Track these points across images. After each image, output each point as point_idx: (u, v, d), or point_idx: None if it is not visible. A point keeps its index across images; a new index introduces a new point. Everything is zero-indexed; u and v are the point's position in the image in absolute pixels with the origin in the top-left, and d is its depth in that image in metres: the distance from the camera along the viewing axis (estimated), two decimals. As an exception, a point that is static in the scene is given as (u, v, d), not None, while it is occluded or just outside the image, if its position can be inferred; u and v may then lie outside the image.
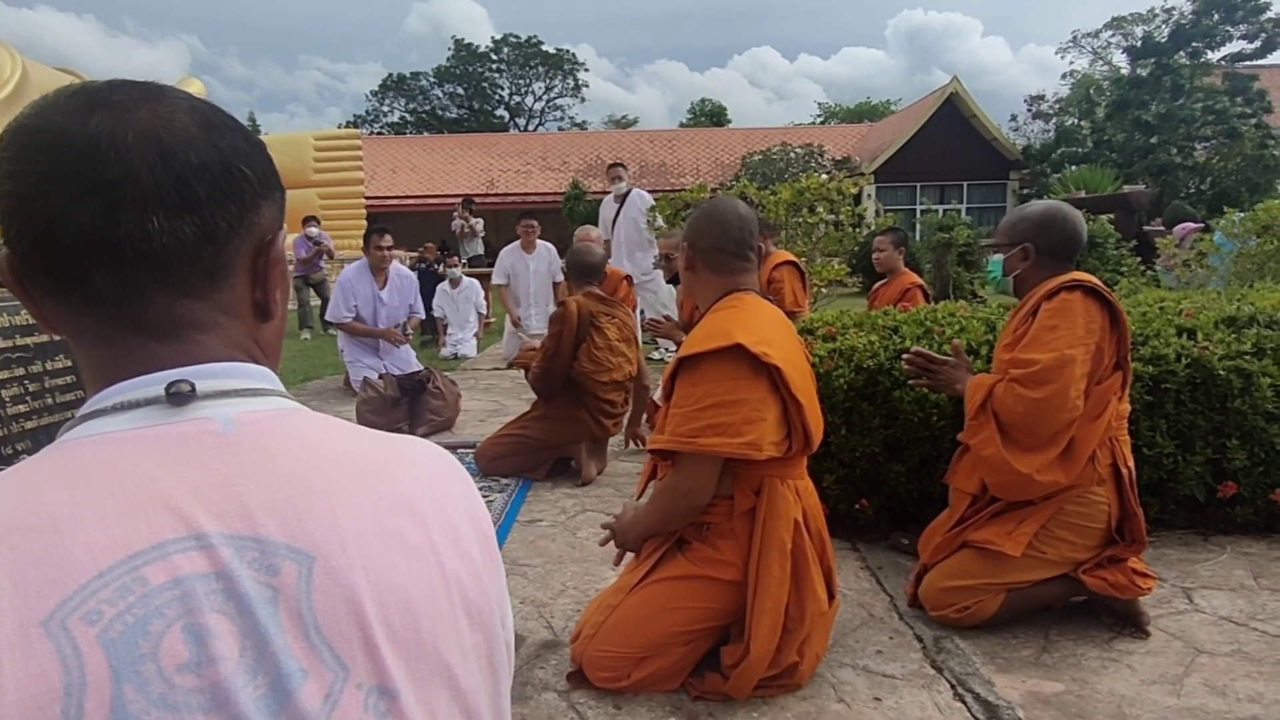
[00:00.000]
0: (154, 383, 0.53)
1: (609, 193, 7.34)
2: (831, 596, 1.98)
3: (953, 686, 1.95)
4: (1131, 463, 2.19)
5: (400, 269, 5.86)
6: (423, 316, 6.22)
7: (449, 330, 8.18)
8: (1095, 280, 2.13)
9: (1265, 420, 2.72)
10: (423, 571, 0.54)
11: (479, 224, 11.15)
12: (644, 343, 7.44)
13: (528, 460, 3.77)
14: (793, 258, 5.42)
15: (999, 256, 2.30)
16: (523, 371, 4.02)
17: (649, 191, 7.52)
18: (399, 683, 0.50)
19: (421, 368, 5.35)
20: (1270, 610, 2.29)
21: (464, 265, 9.11)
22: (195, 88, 15.86)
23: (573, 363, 3.70)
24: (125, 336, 0.54)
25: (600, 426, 3.79)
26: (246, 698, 0.45)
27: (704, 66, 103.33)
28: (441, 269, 8.70)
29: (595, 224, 7.29)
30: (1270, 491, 2.75)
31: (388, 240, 5.63)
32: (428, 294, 9.97)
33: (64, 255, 0.51)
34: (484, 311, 8.48)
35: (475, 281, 8.43)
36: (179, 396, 0.52)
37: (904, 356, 2.46)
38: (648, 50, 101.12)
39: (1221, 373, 2.71)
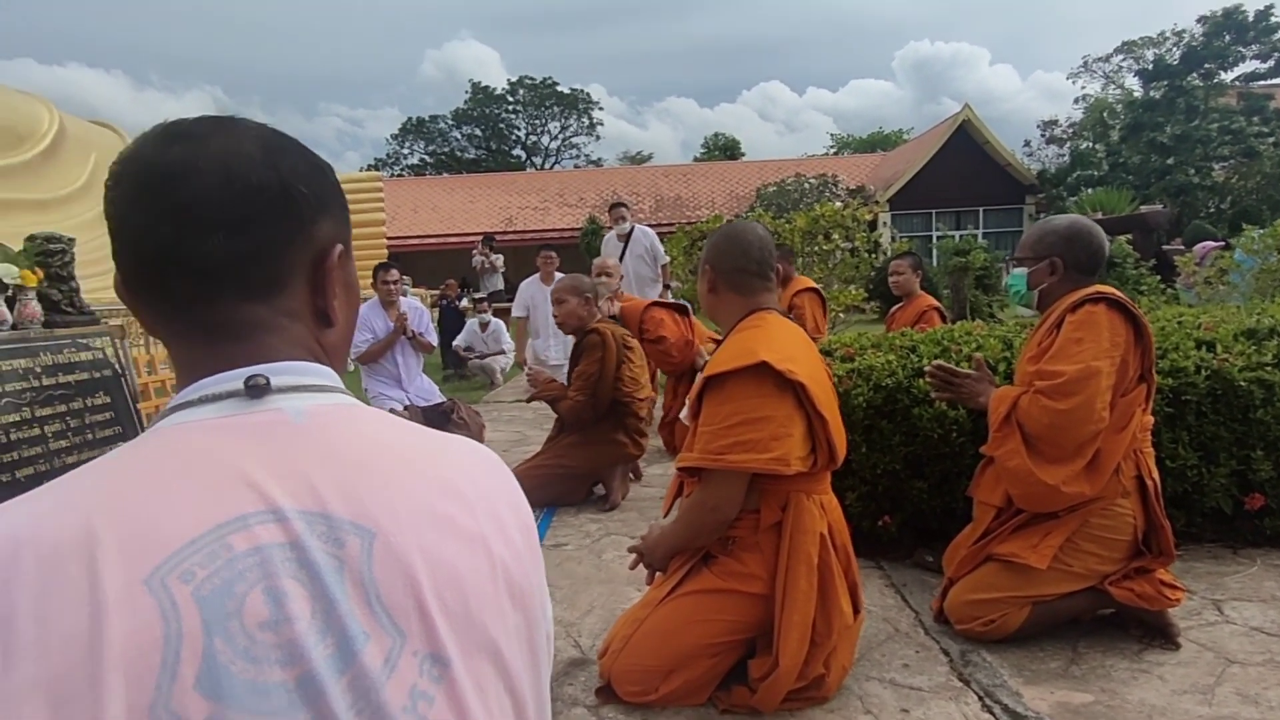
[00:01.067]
0: (234, 378, 0.60)
1: (612, 229, 7.50)
2: (856, 610, 2.00)
3: (980, 698, 1.96)
4: (1156, 474, 2.20)
5: (411, 301, 5.99)
6: (435, 343, 6.32)
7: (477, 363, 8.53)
8: (1119, 293, 2.17)
9: (1289, 431, 2.71)
10: (470, 553, 0.59)
11: (499, 260, 11.35)
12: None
13: (565, 488, 3.80)
14: (814, 284, 5.50)
15: (1021, 271, 2.33)
16: (547, 404, 4.03)
17: (666, 225, 7.64)
18: (450, 652, 0.55)
19: (445, 399, 5.43)
20: (1303, 621, 2.27)
21: (487, 302, 9.29)
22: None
23: (617, 384, 3.79)
24: (203, 337, 0.62)
25: (637, 446, 3.90)
26: (317, 655, 0.50)
27: (714, 102, 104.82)
28: (465, 303, 8.90)
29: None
30: (1299, 503, 2.73)
31: (393, 274, 5.79)
32: (453, 330, 10.14)
33: (148, 268, 0.60)
34: (509, 352, 8.72)
35: (503, 324, 8.78)
36: (256, 390, 0.59)
37: (926, 370, 2.49)
38: (657, 88, 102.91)
39: (1243, 384, 2.71)
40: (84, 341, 3.86)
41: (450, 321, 10.34)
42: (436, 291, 10.66)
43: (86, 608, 0.47)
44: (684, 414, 2.07)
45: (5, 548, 0.48)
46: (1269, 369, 2.76)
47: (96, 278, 9.78)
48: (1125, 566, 2.16)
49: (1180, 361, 2.78)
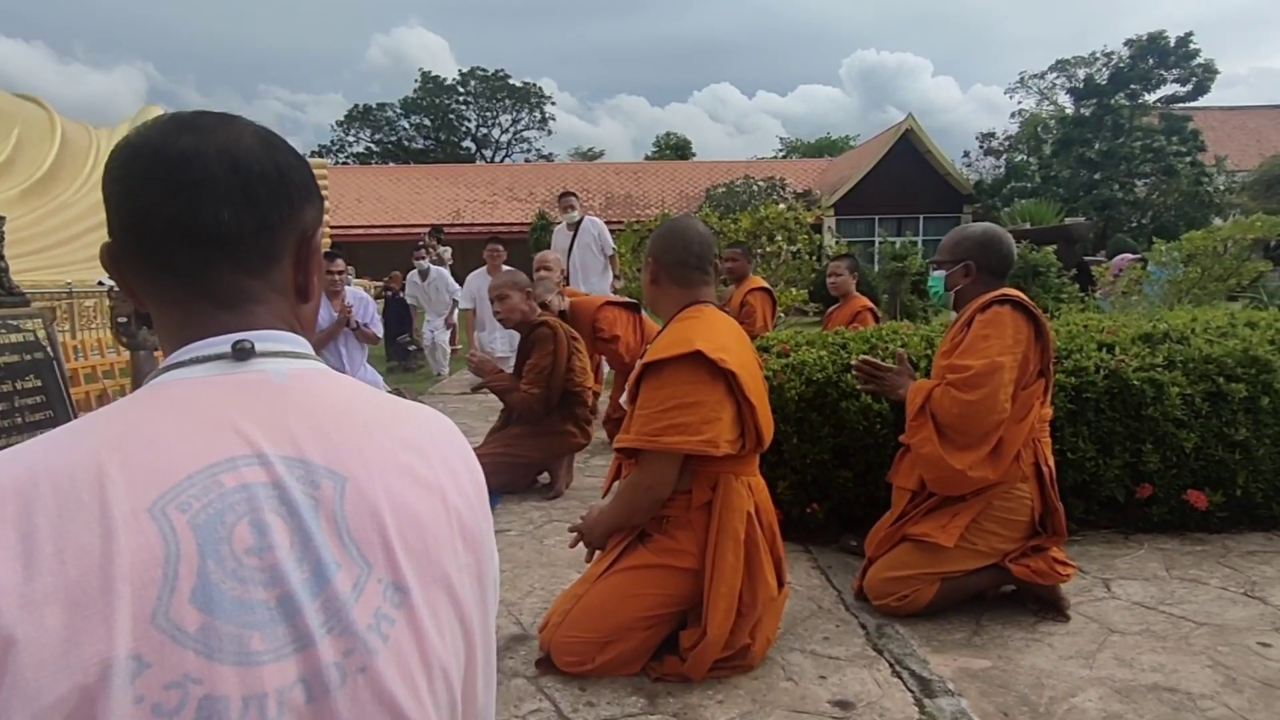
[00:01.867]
0: (222, 342, 0.69)
1: (560, 223, 7.50)
2: (781, 584, 2.15)
3: (891, 665, 2.13)
4: (1052, 462, 2.41)
5: (356, 292, 5.90)
6: (380, 334, 6.25)
7: (427, 320, 8.53)
8: (1023, 295, 2.37)
9: (1175, 426, 2.98)
10: (428, 498, 0.69)
11: (446, 252, 11.27)
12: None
13: (512, 476, 3.88)
14: (766, 284, 5.69)
15: (939, 273, 2.52)
16: (495, 395, 4.08)
17: (616, 222, 7.71)
18: (410, 582, 0.65)
19: (389, 389, 5.43)
20: (1178, 596, 2.52)
21: (426, 249, 9.26)
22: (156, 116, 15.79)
23: (568, 376, 3.88)
24: (199, 304, 0.70)
25: (585, 435, 4.01)
26: (295, 579, 0.59)
27: (665, 101, 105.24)
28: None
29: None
30: (1182, 492, 3.00)
31: (339, 265, 5.70)
32: (398, 322, 10.02)
33: (154, 238, 0.68)
34: (457, 298, 8.41)
35: (445, 270, 8.68)
36: (242, 353, 0.68)
37: (852, 364, 2.67)
38: (609, 85, 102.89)
39: (1136, 383, 2.97)
40: (14, 323, 3.77)
41: (395, 313, 10.22)
42: (380, 283, 10.51)
43: (98, 529, 0.55)
44: (623, 398, 2.18)
45: (25, 477, 0.57)
46: (1160, 370, 3.02)
47: (24, 258, 9.38)
48: (1023, 545, 2.37)
49: (1082, 362, 3.03)
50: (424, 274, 8.53)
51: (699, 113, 79.15)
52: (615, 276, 7.31)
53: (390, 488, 0.67)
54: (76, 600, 0.52)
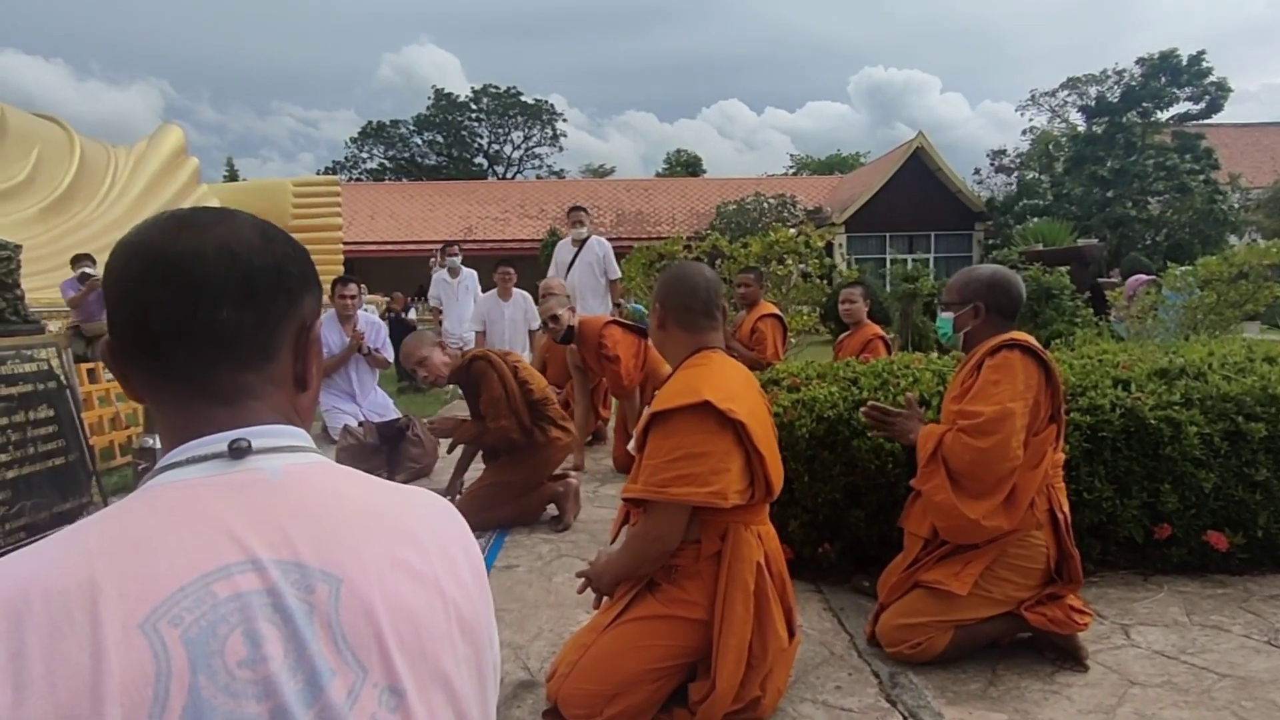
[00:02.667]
0: (219, 441, 0.68)
1: (567, 236, 7.24)
2: (792, 634, 2.11)
3: (905, 719, 2.08)
4: (1066, 508, 2.37)
5: (368, 317, 5.94)
6: (390, 359, 6.25)
7: (444, 323, 8.09)
8: (1031, 340, 2.35)
9: (1194, 466, 2.92)
10: (425, 594, 0.68)
11: (456, 261, 11.20)
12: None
13: (517, 507, 3.85)
14: (776, 310, 5.68)
15: (948, 315, 2.50)
16: (470, 443, 4.06)
17: (627, 239, 7.66)
18: (406, 683, 0.64)
19: (400, 415, 5.44)
20: (1199, 644, 2.46)
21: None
22: (175, 135, 16.01)
23: (525, 390, 3.91)
24: (195, 402, 0.70)
25: (568, 433, 4.05)
26: (289, 690, 0.58)
27: (673, 117, 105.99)
28: (412, 315, 8.69)
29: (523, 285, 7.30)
30: (1201, 533, 2.94)
31: (352, 289, 5.72)
32: (398, 341, 10.01)
33: (153, 338, 0.68)
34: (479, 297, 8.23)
35: (474, 272, 8.29)
36: (239, 451, 0.68)
37: (862, 410, 2.65)
38: (617, 101, 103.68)
39: (1153, 422, 2.92)
40: (28, 353, 3.79)
41: (398, 335, 10.22)
42: (386, 300, 10.49)
43: (89, 647, 0.54)
44: (631, 445, 2.16)
45: (17, 593, 0.56)
46: (1177, 408, 2.97)
47: (38, 275, 9.50)
48: (1039, 592, 2.32)
49: (1098, 400, 2.99)
50: (454, 271, 8.14)
51: (708, 129, 79.71)
52: (616, 304, 7.09)
53: (386, 586, 0.66)
54: None
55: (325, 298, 5.97)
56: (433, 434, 4.10)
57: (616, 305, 7.12)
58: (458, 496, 4.00)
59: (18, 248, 4.26)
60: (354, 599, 0.63)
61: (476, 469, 4.14)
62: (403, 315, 10.20)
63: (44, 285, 9.26)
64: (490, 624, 0.77)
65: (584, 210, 7.18)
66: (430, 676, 0.66)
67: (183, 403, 0.70)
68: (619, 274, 7.17)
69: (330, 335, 5.72)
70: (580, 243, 7.06)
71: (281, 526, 0.64)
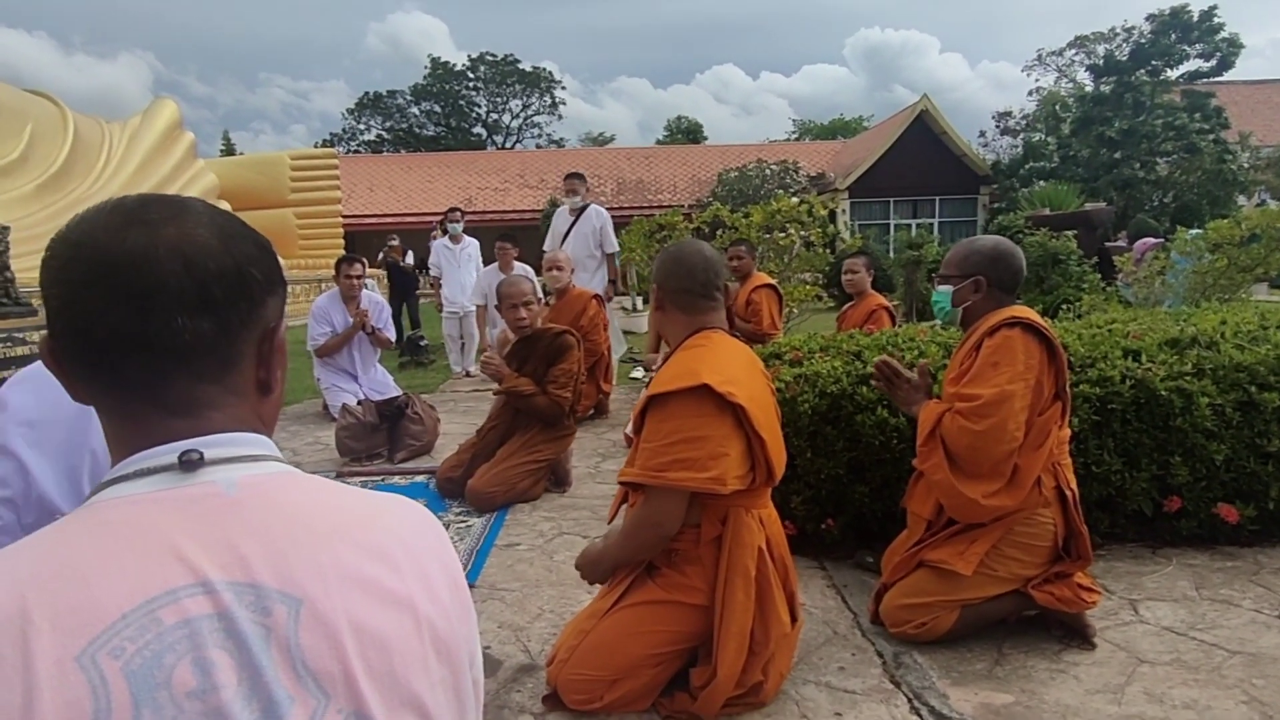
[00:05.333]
0: (169, 452, 0.63)
1: (564, 202, 7.06)
2: (794, 619, 2.08)
3: (910, 700, 2.06)
4: (1075, 485, 2.32)
5: (372, 296, 5.90)
6: (393, 339, 6.23)
7: (444, 291, 7.89)
8: (1034, 316, 2.27)
9: (1205, 438, 2.87)
10: (397, 614, 0.63)
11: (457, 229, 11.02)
12: (621, 361, 7.55)
13: (535, 480, 3.90)
14: (772, 281, 5.59)
15: (946, 288, 2.42)
16: (513, 399, 4.08)
17: (628, 208, 7.53)
18: (374, 709, 0.60)
19: (400, 393, 5.40)
20: (1209, 620, 2.42)
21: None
22: (169, 109, 15.80)
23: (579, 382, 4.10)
24: (148, 413, 0.64)
25: (576, 423, 4.22)
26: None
27: (667, 83, 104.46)
28: (410, 260, 8.52)
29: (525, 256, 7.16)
30: (1212, 505, 2.90)
31: (357, 269, 5.68)
32: (404, 293, 9.92)
33: (98, 348, 0.62)
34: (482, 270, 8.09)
35: (476, 241, 8.12)
36: (189, 464, 0.62)
37: (875, 362, 2.56)
38: (609, 67, 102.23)
39: (1164, 393, 2.86)
40: (20, 335, 3.74)
41: (398, 282, 10.06)
42: (381, 254, 10.27)
43: (19, 685, 0.49)
44: (628, 428, 2.11)
45: None
46: (1188, 379, 2.91)
47: (30, 256, 9.43)
48: (1046, 570, 2.28)
49: (1107, 371, 2.92)
50: (456, 238, 7.92)
51: (703, 95, 78.74)
52: (610, 280, 6.91)
53: (352, 608, 0.61)
54: None
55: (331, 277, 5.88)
56: (484, 371, 4.13)
57: (612, 282, 6.96)
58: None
59: (6, 229, 4.19)
60: (315, 621, 0.59)
61: (462, 435, 4.10)
62: (401, 263, 10.06)
63: (34, 266, 9.21)
64: (471, 640, 0.72)
65: (580, 177, 6.97)
66: (402, 701, 0.62)
67: (133, 412, 0.64)
68: (616, 247, 6.98)
69: (334, 314, 5.68)
70: (577, 211, 6.89)
71: (235, 545, 0.59)
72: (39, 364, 1.43)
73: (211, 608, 0.56)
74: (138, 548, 0.57)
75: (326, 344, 5.63)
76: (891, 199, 22.94)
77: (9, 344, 3.62)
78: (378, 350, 5.90)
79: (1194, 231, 6.92)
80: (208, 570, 0.57)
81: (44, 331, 0.66)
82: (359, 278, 5.69)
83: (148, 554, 0.57)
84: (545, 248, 6.98)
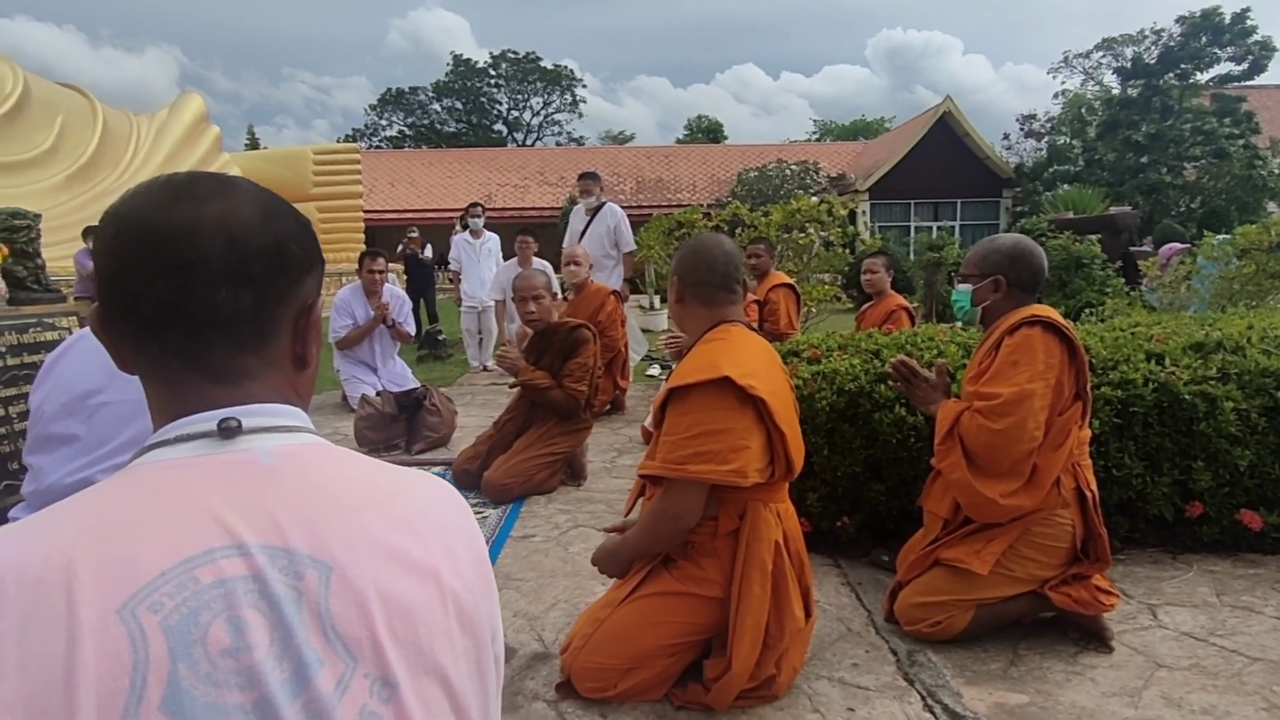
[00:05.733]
0: (208, 419, 0.65)
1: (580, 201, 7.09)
2: (809, 614, 2.08)
3: (923, 698, 2.05)
4: (1094, 486, 2.30)
5: (393, 290, 5.96)
6: (412, 332, 6.28)
7: (464, 286, 7.90)
8: (1055, 315, 2.25)
9: (1229, 443, 2.83)
10: (422, 585, 0.65)
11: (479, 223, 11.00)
12: (639, 360, 7.56)
13: (551, 473, 3.93)
14: (789, 280, 5.58)
15: (966, 287, 2.40)
16: (529, 391, 4.11)
17: (647, 207, 7.54)
18: (399, 675, 0.61)
19: (418, 385, 5.45)
20: (1229, 626, 2.39)
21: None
22: (196, 103, 16.00)
23: (595, 376, 4.14)
24: (190, 380, 0.66)
25: (592, 417, 4.22)
26: (274, 679, 0.56)
27: (686, 83, 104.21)
28: (428, 252, 8.57)
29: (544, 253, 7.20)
30: (1235, 512, 2.86)
31: (380, 264, 5.75)
32: (419, 281, 9.95)
33: (145, 317, 0.65)
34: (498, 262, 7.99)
35: (497, 236, 8.15)
36: (228, 432, 0.65)
37: (891, 362, 2.56)
38: (629, 66, 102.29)
39: (1187, 397, 2.83)
40: (50, 321, 3.81)
41: (416, 273, 10.09)
42: (400, 246, 10.31)
43: (64, 634, 0.51)
44: (648, 421, 2.12)
45: None
46: (1213, 383, 2.87)
47: (63, 245, 9.60)
48: (1064, 572, 2.26)
49: (1129, 374, 2.89)
50: (476, 232, 7.92)
51: (723, 94, 78.59)
52: (625, 279, 6.94)
53: (380, 576, 0.62)
54: (37, 713, 0.49)
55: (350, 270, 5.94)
56: (500, 364, 4.19)
57: (628, 281, 6.97)
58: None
59: (37, 216, 4.27)
60: (345, 587, 0.60)
61: (479, 427, 4.13)
62: (420, 254, 10.10)
63: (69, 254, 9.36)
64: (493, 616, 0.73)
65: (594, 177, 7.00)
66: (425, 669, 0.63)
67: (175, 378, 0.66)
68: (633, 246, 7.00)
69: (356, 307, 5.75)
70: (593, 211, 6.94)
71: (270, 511, 0.61)
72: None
73: (246, 569, 0.58)
74: (178, 509, 0.59)
75: (348, 336, 5.70)
76: (912, 201, 22.76)
77: (40, 329, 3.69)
78: (397, 343, 5.96)
79: (1221, 237, 6.79)
80: (243, 533, 0.59)
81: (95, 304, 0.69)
82: (381, 272, 5.76)
83: (187, 515, 0.59)
84: (564, 245, 7.01)
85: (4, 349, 3.56)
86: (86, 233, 8.46)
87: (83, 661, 0.51)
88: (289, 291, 0.69)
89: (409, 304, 6.13)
